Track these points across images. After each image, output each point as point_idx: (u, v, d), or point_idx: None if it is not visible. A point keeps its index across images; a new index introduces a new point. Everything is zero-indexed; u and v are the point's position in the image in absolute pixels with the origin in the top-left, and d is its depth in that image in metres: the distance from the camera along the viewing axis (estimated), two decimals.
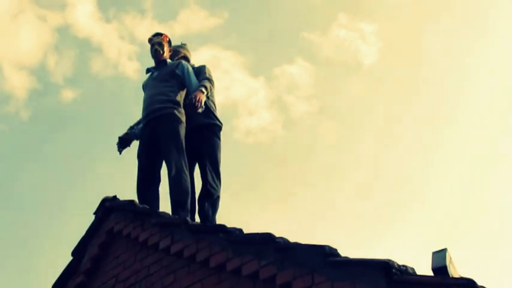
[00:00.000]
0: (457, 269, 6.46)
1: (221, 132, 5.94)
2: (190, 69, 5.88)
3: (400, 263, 3.01)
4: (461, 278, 2.80)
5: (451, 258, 6.56)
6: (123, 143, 6.07)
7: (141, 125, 5.99)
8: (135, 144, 6.05)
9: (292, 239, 3.57)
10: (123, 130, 6.07)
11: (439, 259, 6.40)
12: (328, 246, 3.30)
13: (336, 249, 3.29)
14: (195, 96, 5.43)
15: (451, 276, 6.12)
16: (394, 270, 2.95)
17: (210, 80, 5.81)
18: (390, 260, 2.99)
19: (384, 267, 2.97)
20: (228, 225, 4.02)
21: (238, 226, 3.96)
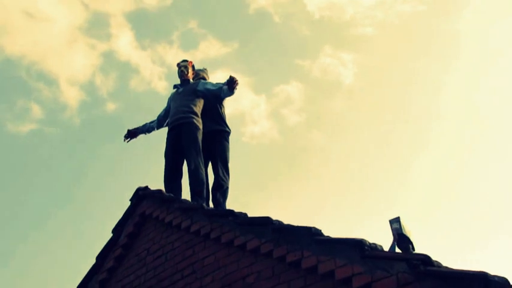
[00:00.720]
0: (411, 232, 6.52)
1: (230, 137, 6.01)
2: (207, 81, 6.09)
3: (370, 242, 3.08)
4: (419, 254, 2.82)
5: (404, 223, 6.63)
6: (130, 135, 6.34)
7: (154, 124, 6.35)
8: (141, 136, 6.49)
9: (286, 222, 3.64)
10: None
11: (396, 223, 6.43)
12: (314, 227, 3.37)
13: (320, 230, 3.36)
14: (234, 78, 5.50)
15: (406, 233, 6.13)
16: (366, 247, 3.00)
17: None
18: (363, 239, 3.04)
19: (358, 244, 3.02)
20: (236, 211, 4.11)
21: (244, 211, 4.05)
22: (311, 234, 3.34)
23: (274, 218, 3.70)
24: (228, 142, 5.90)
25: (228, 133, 5.97)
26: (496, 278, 2.43)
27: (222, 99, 5.99)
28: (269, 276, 3.51)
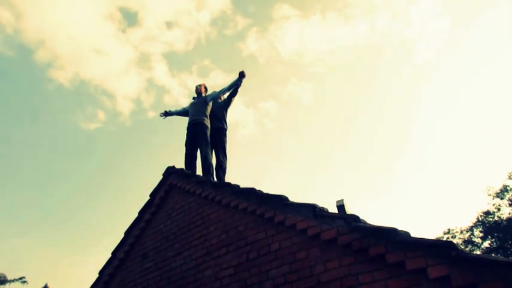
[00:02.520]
0: (349, 209, 6.46)
1: (227, 132, 5.83)
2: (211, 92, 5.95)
3: (321, 205, 3.02)
4: (352, 214, 2.78)
5: (346, 203, 6.60)
6: (166, 113, 6.14)
7: (180, 111, 6.11)
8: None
9: (265, 191, 3.53)
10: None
11: (340, 202, 6.43)
12: (283, 195, 3.30)
13: (287, 197, 3.28)
14: (244, 72, 5.57)
15: (347, 211, 6.11)
16: (317, 209, 2.97)
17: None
18: (315, 204, 3.00)
19: (312, 207, 2.99)
20: (232, 183, 4.00)
21: (238, 183, 3.92)
22: (281, 199, 3.28)
23: (257, 188, 3.61)
24: (226, 136, 5.75)
25: (226, 129, 5.82)
26: (402, 232, 2.39)
27: (235, 91, 5.78)
28: (253, 227, 3.46)
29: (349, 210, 7.17)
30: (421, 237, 2.29)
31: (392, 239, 2.40)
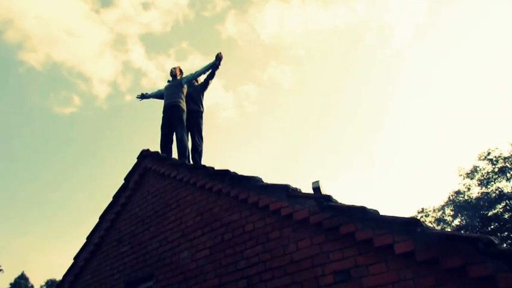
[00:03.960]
0: (325, 191, 6.56)
1: (204, 115, 5.75)
2: (187, 75, 5.84)
3: (298, 186, 3.05)
4: (323, 195, 2.82)
5: (322, 184, 6.70)
6: (142, 97, 6.08)
7: (155, 94, 6.02)
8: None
9: (240, 173, 3.52)
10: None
11: (316, 183, 6.53)
12: (257, 176, 3.30)
13: (261, 178, 3.29)
14: (220, 54, 5.48)
15: (323, 192, 6.20)
16: (290, 189, 2.99)
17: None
18: (288, 184, 3.02)
19: (285, 188, 3.01)
20: (207, 165, 3.97)
21: (213, 165, 3.91)
22: (254, 181, 3.29)
23: (237, 171, 3.61)
24: (202, 119, 5.69)
25: (202, 112, 5.75)
26: (372, 210, 2.45)
27: (212, 73, 5.67)
28: (227, 208, 3.47)
29: (325, 191, 7.29)
30: (389, 215, 2.35)
31: (362, 218, 2.45)
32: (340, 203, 2.67)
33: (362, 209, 2.44)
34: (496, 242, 1.91)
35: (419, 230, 2.16)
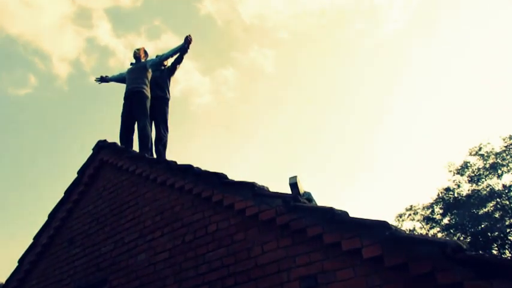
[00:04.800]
0: (302, 186, 6.67)
1: (170, 102, 5.70)
2: (152, 57, 5.77)
3: (260, 184, 3.06)
4: (290, 194, 2.85)
5: (299, 180, 6.77)
6: (102, 79, 6.03)
7: (117, 77, 6.00)
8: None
9: (204, 168, 3.54)
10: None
11: (293, 179, 6.61)
12: (221, 173, 3.32)
13: (226, 175, 3.31)
14: (189, 36, 5.47)
15: (301, 189, 6.30)
16: (256, 188, 3.01)
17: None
18: (254, 182, 3.04)
19: (251, 186, 3.03)
20: (173, 160, 3.94)
21: (186, 160, 3.89)
22: (219, 177, 3.30)
23: (206, 165, 3.61)
24: (168, 107, 5.64)
25: (168, 99, 5.70)
26: (339, 211, 2.49)
27: (181, 57, 5.63)
28: (190, 207, 3.47)
29: (303, 187, 7.38)
30: (358, 217, 2.40)
31: (330, 219, 2.50)
32: (309, 203, 2.71)
33: (330, 211, 2.49)
34: (465, 247, 1.99)
35: (387, 233, 2.22)
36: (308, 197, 6.59)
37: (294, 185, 6.87)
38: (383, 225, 2.26)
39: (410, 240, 2.15)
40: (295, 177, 6.92)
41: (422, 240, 2.12)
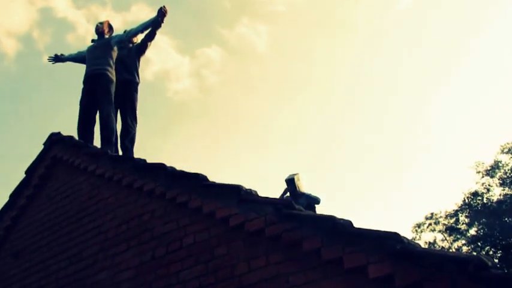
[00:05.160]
0: (302, 186, 6.75)
1: (139, 87, 5.71)
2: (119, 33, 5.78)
3: (247, 188, 3.07)
4: (284, 200, 2.87)
5: (299, 178, 6.87)
6: (56, 59, 6.03)
7: (65, 59, 6.06)
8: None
9: (181, 168, 3.54)
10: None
11: (291, 175, 6.74)
12: (201, 174, 3.33)
13: (206, 176, 3.33)
14: (164, 7, 5.41)
15: (297, 187, 6.36)
16: (242, 192, 3.02)
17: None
18: (240, 185, 3.06)
19: (236, 190, 3.04)
20: (141, 157, 3.96)
21: (160, 159, 3.90)
22: (198, 179, 3.32)
23: (176, 165, 3.62)
24: (137, 92, 5.65)
25: (138, 84, 5.70)
26: (342, 221, 2.51)
27: (152, 33, 5.64)
28: (161, 215, 3.48)
29: (302, 186, 7.42)
30: (364, 228, 2.42)
31: (331, 231, 2.51)
32: (305, 211, 2.73)
33: (330, 220, 2.51)
34: (490, 263, 2.02)
35: (398, 247, 2.24)
36: (308, 201, 6.65)
37: (290, 181, 6.95)
38: (393, 237, 2.28)
39: (426, 255, 2.18)
40: (294, 175, 6.99)
41: (440, 255, 2.15)
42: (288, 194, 6.81)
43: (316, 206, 6.62)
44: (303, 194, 6.55)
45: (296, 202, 3.92)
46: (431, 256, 2.17)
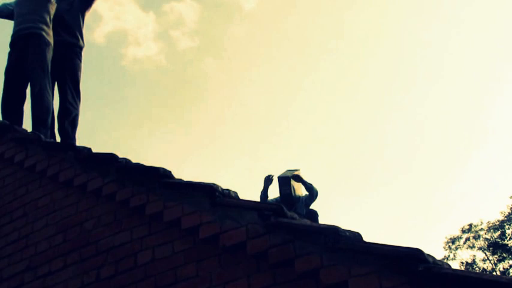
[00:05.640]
0: (300, 188, 6.74)
1: (84, 52, 5.75)
2: None
3: (224, 188, 3.06)
4: (272, 204, 2.86)
5: (300, 175, 6.82)
6: None
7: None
8: None
9: (139, 160, 3.55)
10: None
11: (288, 172, 6.70)
12: (163, 168, 3.34)
13: (170, 171, 3.33)
14: None
15: (292, 190, 6.41)
16: (217, 193, 3.00)
17: None
18: (214, 184, 3.04)
19: (209, 190, 3.02)
20: (100, 147, 3.97)
21: (111, 148, 3.92)
22: (159, 175, 3.31)
23: (134, 157, 3.62)
24: (81, 60, 5.64)
25: (82, 48, 5.68)
26: (348, 233, 2.50)
27: None
28: (110, 222, 3.48)
29: (301, 189, 7.37)
30: (376, 242, 2.40)
31: (332, 246, 2.49)
32: (300, 219, 2.72)
33: (333, 232, 2.49)
34: None
35: (421, 268, 2.22)
36: (308, 207, 6.62)
37: (284, 180, 6.83)
38: (414, 255, 2.26)
39: (459, 279, 2.15)
40: (294, 171, 6.87)
41: (478, 280, 2.12)
42: (276, 195, 6.77)
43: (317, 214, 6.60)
44: (299, 199, 6.49)
45: (289, 208, 3.90)
46: (466, 280, 2.14)
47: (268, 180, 7.01)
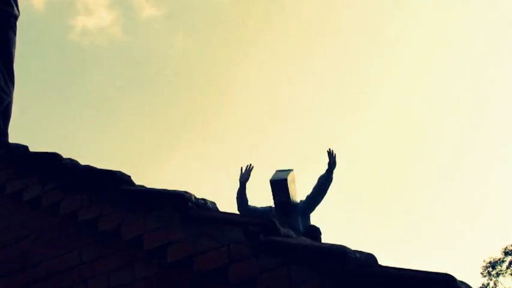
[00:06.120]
0: (296, 194, 6.76)
1: (19, 23, 5.68)
2: None
3: (199, 197, 3.08)
4: (261, 219, 2.88)
5: (294, 178, 6.87)
6: None
7: None
8: None
9: (89, 162, 3.60)
10: None
11: (281, 174, 6.71)
12: (120, 172, 3.37)
13: (129, 176, 3.36)
14: None
15: (289, 191, 6.44)
16: (190, 204, 3.02)
17: None
18: (187, 192, 3.05)
19: (179, 200, 3.04)
20: (41, 146, 3.98)
21: (55, 147, 3.93)
22: (116, 181, 3.32)
23: (96, 162, 3.64)
24: (15, 33, 5.61)
25: (17, 18, 5.66)
26: (358, 254, 2.52)
27: None
28: (51, 240, 3.50)
29: (296, 194, 7.38)
30: (392, 266, 2.44)
31: (339, 271, 2.52)
32: (296, 238, 2.74)
33: (338, 252, 2.51)
34: None
35: None
36: (302, 218, 6.64)
37: (278, 183, 6.72)
38: (442, 282, 2.30)
39: None
40: (288, 171, 6.77)
41: None
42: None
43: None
44: (296, 207, 6.39)
45: (284, 220, 3.88)
46: None
47: (245, 173, 6.87)
